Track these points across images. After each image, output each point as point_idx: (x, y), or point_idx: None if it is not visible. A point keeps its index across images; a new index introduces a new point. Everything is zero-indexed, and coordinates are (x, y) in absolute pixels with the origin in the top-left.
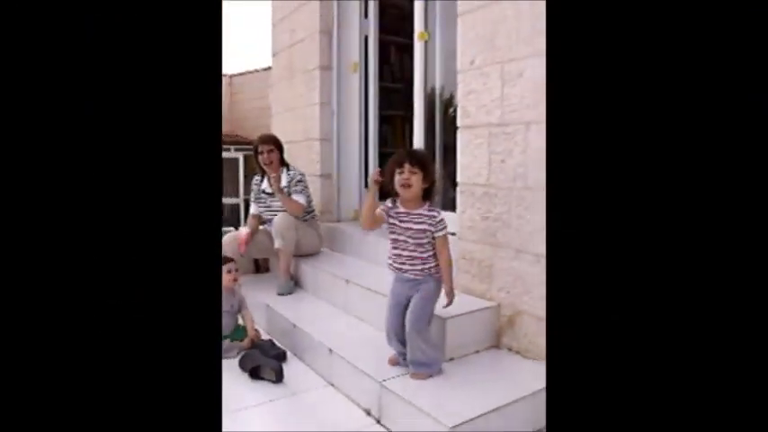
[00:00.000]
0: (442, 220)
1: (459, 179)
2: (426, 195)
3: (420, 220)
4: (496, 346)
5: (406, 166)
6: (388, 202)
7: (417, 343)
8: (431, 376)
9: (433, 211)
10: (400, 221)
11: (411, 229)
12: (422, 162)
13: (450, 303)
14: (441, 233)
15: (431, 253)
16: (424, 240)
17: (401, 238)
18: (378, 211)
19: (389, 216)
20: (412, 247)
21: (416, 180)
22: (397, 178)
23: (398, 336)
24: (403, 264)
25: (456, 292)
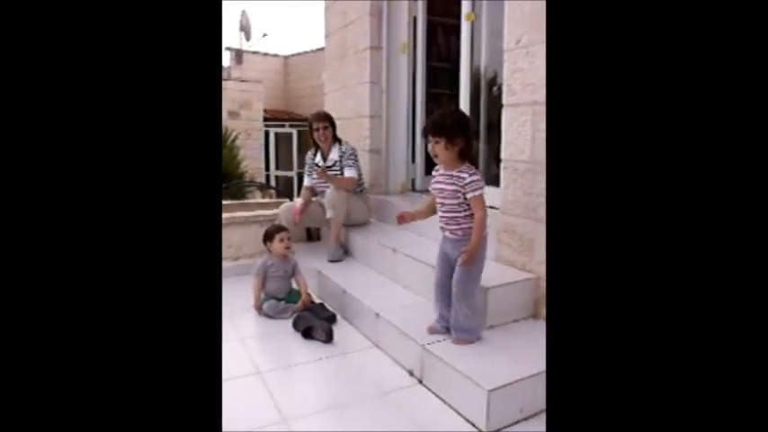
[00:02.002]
0: (472, 181)
1: (502, 155)
2: (463, 155)
3: (450, 181)
4: (535, 316)
5: (430, 137)
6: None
7: (461, 307)
8: (471, 342)
9: (463, 172)
10: (436, 183)
11: (442, 189)
12: (441, 129)
13: (465, 261)
14: (472, 193)
15: (467, 213)
16: (456, 201)
17: (438, 198)
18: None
19: (433, 181)
20: (447, 207)
21: (440, 149)
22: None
23: (444, 292)
24: (443, 223)
25: (497, 263)
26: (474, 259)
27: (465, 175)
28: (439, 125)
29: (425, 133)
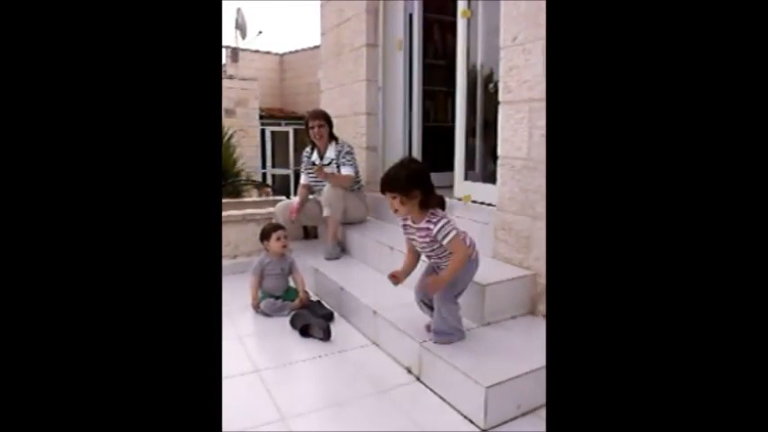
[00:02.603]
0: (440, 229)
1: (499, 153)
2: (425, 204)
3: (421, 234)
4: (532, 312)
5: (387, 194)
6: (401, 219)
7: (441, 311)
8: (451, 342)
9: (430, 222)
10: (409, 235)
11: (417, 241)
12: (395, 186)
13: (431, 288)
14: (447, 239)
15: (450, 251)
16: (436, 246)
17: (417, 247)
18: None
19: (405, 231)
20: (431, 255)
21: (397, 204)
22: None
23: (423, 298)
24: (433, 261)
25: (494, 260)
26: (437, 289)
27: (431, 226)
28: (392, 182)
29: (382, 190)
